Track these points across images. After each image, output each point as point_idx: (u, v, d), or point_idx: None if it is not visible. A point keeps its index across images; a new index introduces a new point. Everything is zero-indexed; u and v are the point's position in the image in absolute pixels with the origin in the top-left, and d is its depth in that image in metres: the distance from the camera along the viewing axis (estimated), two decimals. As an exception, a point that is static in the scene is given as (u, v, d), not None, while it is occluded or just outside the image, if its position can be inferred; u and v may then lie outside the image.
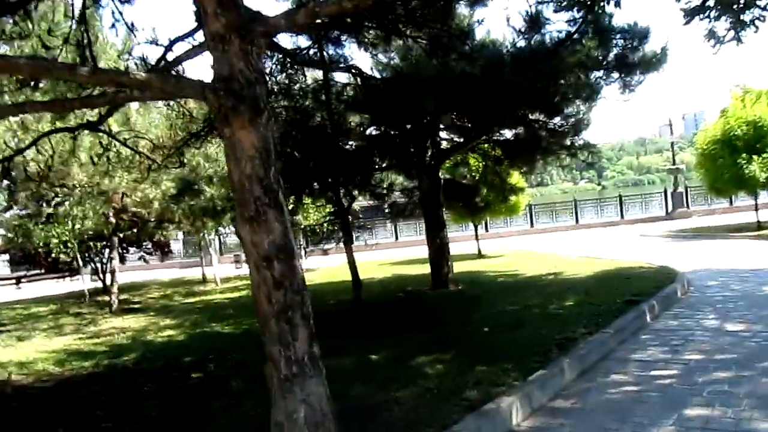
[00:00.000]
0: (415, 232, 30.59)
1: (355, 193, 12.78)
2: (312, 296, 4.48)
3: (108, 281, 16.16)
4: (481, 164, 15.53)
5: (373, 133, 12.93)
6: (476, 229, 21.62)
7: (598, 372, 6.47)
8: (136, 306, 17.17)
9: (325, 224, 15.20)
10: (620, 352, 7.12)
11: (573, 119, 13.34)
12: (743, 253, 15.70)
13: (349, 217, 11.41)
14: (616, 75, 12.02)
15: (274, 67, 10.20)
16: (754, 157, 19.07)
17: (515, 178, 19.36)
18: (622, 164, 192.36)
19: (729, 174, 19.59)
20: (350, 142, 11.96)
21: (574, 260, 16.12)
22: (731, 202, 29.14)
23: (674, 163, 32.78)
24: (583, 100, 12.88)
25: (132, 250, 23.47)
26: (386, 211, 18.87)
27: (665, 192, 31.33)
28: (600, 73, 12.17)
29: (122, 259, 24.47)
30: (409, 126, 13.05)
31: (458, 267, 17.39)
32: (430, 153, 13.29)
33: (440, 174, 13.71)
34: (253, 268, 4.12)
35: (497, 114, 12.37)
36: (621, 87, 12.12)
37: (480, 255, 20.71)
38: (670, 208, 30.70)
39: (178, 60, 6.62)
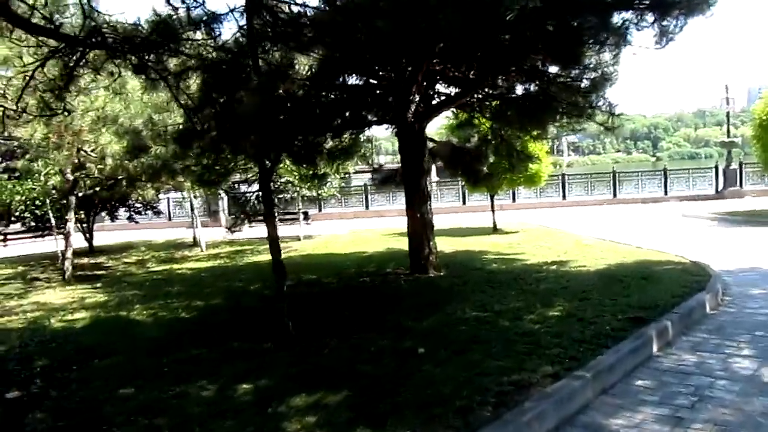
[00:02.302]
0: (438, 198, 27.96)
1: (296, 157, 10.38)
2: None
3: (68, 244, 14.34)
4: (487, 126, 12.96)
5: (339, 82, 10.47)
6: (492, 201, 19.07)
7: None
8: (98, 273, 15.57)
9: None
10: (594, 412, 4.71)
11: (594, 73, 10.66)
12: (801, 247, 12.93)
13: (272, 184, 9.07)
14: (650, 18, 9.31)
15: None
16: (821, 131, 16.02)
17: (535, 144, 16.86)
18: (678, 136, 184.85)
19: (790, 150, 16.58)
20: (299, 92, 9.52)
21: (592, 244, 13.55)
22: (791, 183, 25.84)
23: (729, 136, 29.27)
24: (608, 48, 10.23)
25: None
26: (372, 178, 16.49)
27: (716, 168, 28.00)
28: (629, 15, 9.51)
29: (113, 218, 23.01)
30: (382, 73, 10.63)
31: (462, 243, 15.23)
32: (413, 109, 10.82)
33: (426, 134, 11.22)
34: None
35: (497, 61, 9.86)
36: (657, 34, 9.35)
37: (495, 229, 18.32)
38: (720, 186, 27.46)
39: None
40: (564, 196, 28.24)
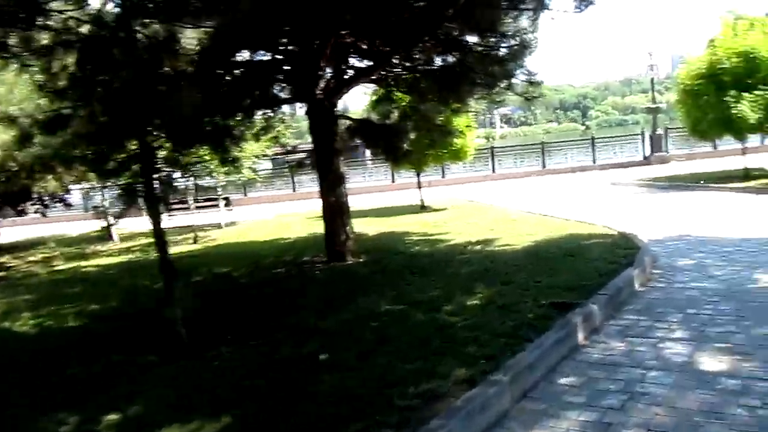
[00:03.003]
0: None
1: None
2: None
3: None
4: (406, 101, 12.27)
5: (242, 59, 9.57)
6: (419, 178, 18.47)
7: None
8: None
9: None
10: (512, 422, 4.10)
11: (513, 41, 10.09)
12: (727, 211, 12.76)
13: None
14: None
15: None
16: (744, 94, 15.87)
17: (459, 118, 16.31)
18: (606, 104, 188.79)
19: (714, 114, 16.44)
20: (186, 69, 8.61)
21: (519, 219, 13.11)
22: (715, 146, 26.07)
23: (654, 102, 29.38)
24: (526, 14, 9.69)
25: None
26: (287, 161, 15.61)
27: (642, 134, 28.04)
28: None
29: (19, 213, 21.44)
30: (289, 47, 9.81)
31: (388, 224, 14.62)
32: (323, 85, 10.02)
33: (338, 111, 10.43)
34: None
35: (410, 30, 9.17)
36: (576, -4, 8.87)
37: (423, 207, 17.76)
38: (647, 152, 27.58)
39: None
40: (494, 170, 27.88)
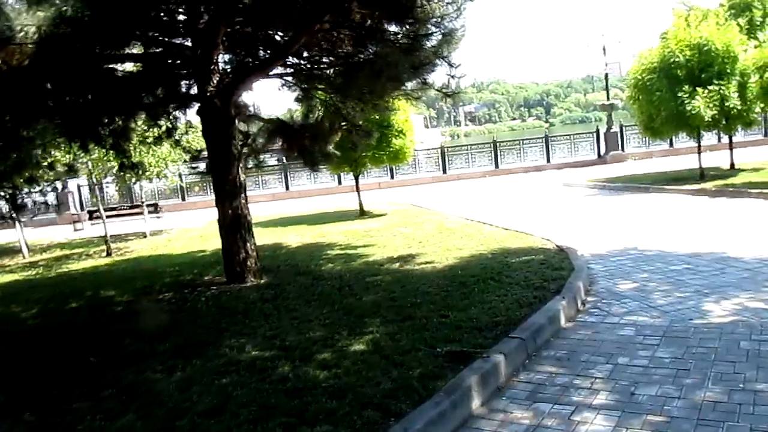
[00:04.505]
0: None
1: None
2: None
3: None
4: (325, 99, 10.93)
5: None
6: (357, 181, 17.14)
7: None
8: None
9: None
10: None
11: (434, 29, 8.84)
12: (679, 217, 11.69)
13: None
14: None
15: None
16: (698, 89, 14.86)
17: (399, 118, 15.12)
18: (569, 101, 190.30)
19: (667, 111, 15.39)
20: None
21: (454, 228, 11.89)
22: (671, 144, 25.21)
23: (608, 99, 28.41)
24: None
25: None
26: (191, 167, 14.15)
27: (597, 132, 27.15)
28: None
29: None
30: (174, 40, 8.46)
31: (317, 233, 13.41)
32: (215, 81, 8.64)
33: (233, 110, 9.01)
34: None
35: (305, 13, 7.85)
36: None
37: (362, 213, 16.48)
38: (603, 151, 26.63)
39: None
40: (445, 170, 26.64)
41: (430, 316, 5.89)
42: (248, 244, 8.85)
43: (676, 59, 15.26)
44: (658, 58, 15.84)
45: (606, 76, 29.51)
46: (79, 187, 24.97)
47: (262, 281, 8.66)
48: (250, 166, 11.58)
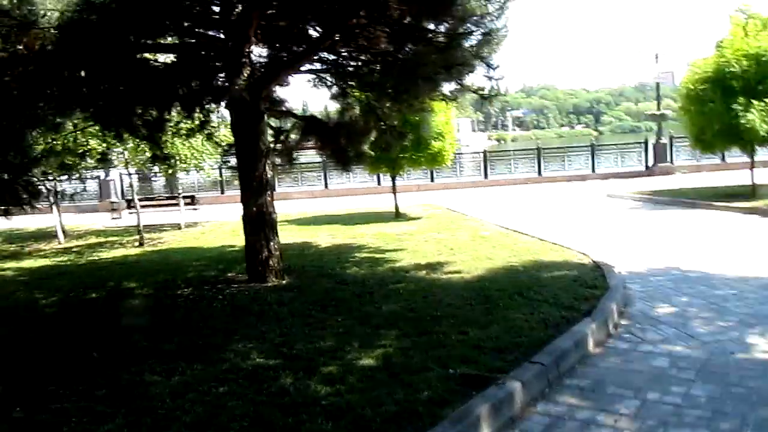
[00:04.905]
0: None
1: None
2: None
3: None
4: (360, 97, 10.64)
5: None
6: (394, 183, 16.85)
7: None
8: None
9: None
10: None
11: (475, 28, 8.48)
12: (727, 237, 11.07)
13: None
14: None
15: None
16: (754, 102, 14.12)
17: (439, 120, 14.77)
18: (620, 110, 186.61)
19: (720, 123, 14.69)
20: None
21: (488, 236, 11.49)
22: (723, 158, 24.25)
23: (659, 108, 27.46)
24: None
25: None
26: (224, 161, 13.97)
27: (646, 143, 26.21)
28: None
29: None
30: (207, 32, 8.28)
31: (349, 234, 13.24)
32: (246, 75, 8.41)
33: (264, 105, 8.77)
34: None
35: (346, 9, 7.61)
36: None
37: (397, 215, 16.18)
38: (650, 162, 25.78)
39: None
40: (486, 176, 26.13)
41: (449, 332, 5.53)
42: (272, 243, 8.61)
43: (732, 69, 14.56)
44: (713, 68, 15.14)
45: (657, 85, 28.53)
46: (121, 176, 25.20)
47: (284, 282, 8.42)
48: (282, 164, 11.39)
